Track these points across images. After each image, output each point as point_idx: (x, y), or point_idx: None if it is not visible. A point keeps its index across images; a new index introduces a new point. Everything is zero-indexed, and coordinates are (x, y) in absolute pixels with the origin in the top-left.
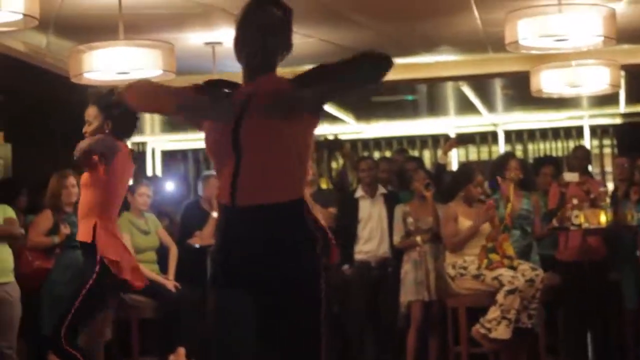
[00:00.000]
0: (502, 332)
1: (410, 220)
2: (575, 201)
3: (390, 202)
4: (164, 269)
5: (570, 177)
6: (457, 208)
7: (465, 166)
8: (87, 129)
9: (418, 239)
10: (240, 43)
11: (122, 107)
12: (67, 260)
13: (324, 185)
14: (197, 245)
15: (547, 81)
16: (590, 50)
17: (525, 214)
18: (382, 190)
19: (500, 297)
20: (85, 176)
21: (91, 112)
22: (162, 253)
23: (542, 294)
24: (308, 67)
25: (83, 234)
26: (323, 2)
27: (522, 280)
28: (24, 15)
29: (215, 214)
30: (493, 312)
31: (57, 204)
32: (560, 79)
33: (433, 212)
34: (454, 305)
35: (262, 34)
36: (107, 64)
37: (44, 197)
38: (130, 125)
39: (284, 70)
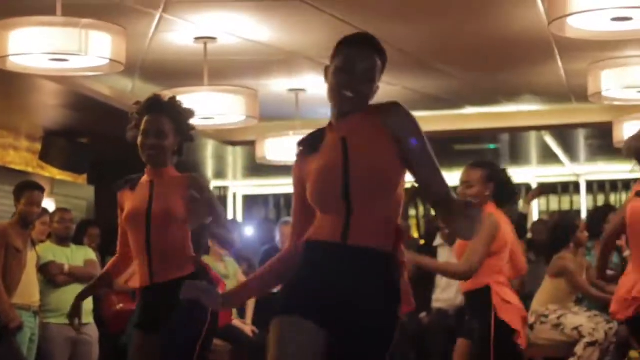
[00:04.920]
0: None
1: None
2: None
3: None
4: (241, 314)
5: None
6: (570, 258)
7: (567, 215)
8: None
9: None
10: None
11: None
12: None
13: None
14: (275, 291)
15: (631, 132)
16: None
17: None
18: None
19: (579, 349)
20: None
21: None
22: None
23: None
24: None
25: None
26: (407, 51)
27: (602, 333)
28: (111, 60)
29: None
30: None
31: None
32: None
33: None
34: (532, 355)
35: (362, 78)
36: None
37: None
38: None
39: None
